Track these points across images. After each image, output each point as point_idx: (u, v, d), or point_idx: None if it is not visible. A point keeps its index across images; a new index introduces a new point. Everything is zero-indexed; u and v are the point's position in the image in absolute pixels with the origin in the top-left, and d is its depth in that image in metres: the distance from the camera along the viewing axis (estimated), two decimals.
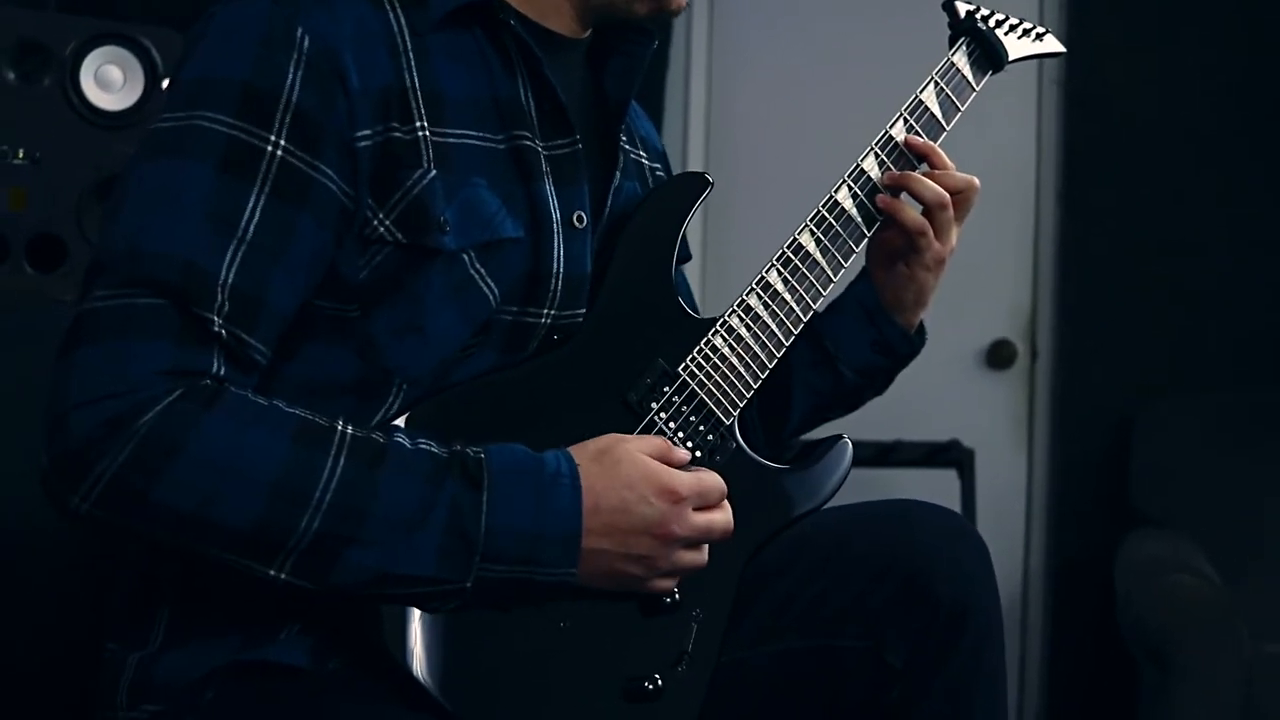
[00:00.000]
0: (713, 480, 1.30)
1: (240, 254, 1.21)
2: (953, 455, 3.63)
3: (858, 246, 1.52)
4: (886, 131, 1.56)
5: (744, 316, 1.45)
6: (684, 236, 1.46)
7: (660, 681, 1.33)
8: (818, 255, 1.49)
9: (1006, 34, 1.66)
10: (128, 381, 1.15)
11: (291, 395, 1.24)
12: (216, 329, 1.19)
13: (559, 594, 1.25)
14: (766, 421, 1.62)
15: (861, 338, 1.62)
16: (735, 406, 1.43)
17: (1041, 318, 3.96)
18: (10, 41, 2.66)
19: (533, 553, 1.21)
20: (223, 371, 1.20)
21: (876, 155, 1.54)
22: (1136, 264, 3.87)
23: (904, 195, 1.54)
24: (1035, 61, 1.77)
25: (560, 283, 1.35)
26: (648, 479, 1.26)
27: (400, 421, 1.27)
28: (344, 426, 1.20)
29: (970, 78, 1.62)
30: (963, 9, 1.66)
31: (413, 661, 1.23)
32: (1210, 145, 3.86)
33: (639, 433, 1.37)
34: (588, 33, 1.46)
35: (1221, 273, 3.85)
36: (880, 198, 1.52)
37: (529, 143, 1.36)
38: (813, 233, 1.49)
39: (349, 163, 1.26)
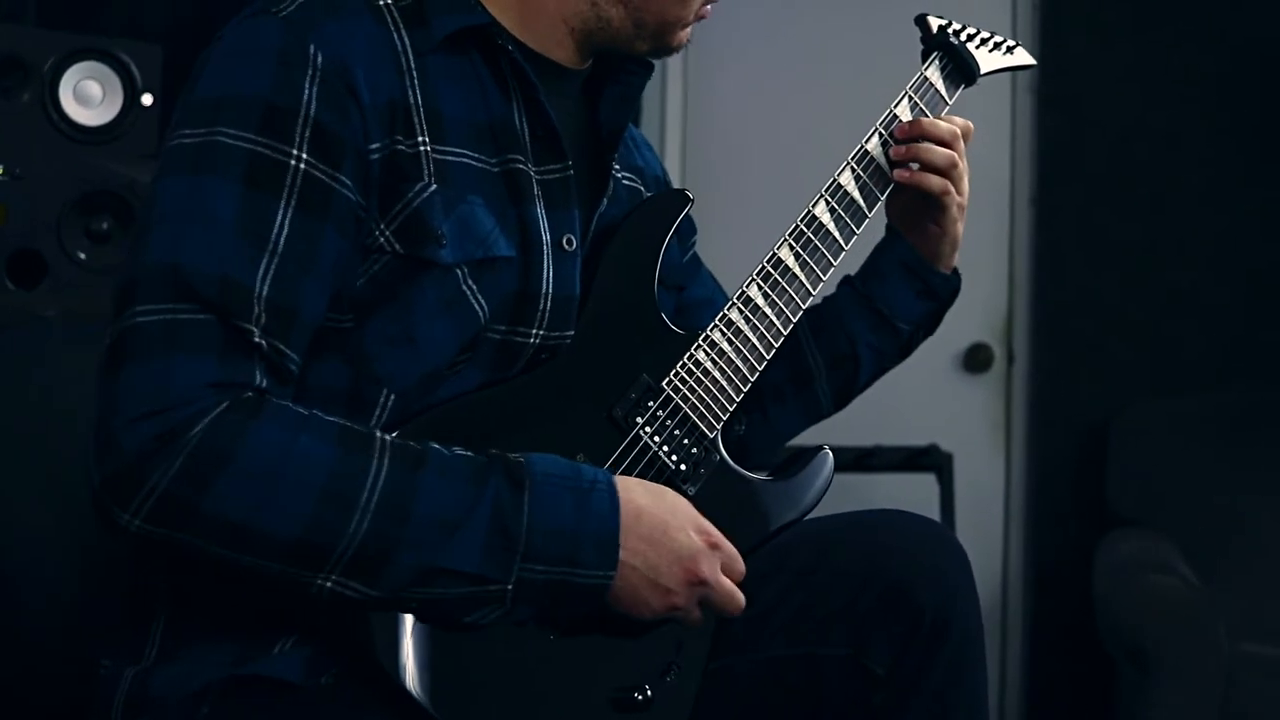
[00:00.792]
0: (738, 555, 1.35)
1: (273, 266, 1.23)
2: (932, 459, 3.65)
3: (836, 260, 1.54)
4: (862, 146, 1.59)
5: (726, 331, 1.47)
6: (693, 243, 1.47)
7: (649, 692, 1.35)
8: (796, 269, 1.52)
9: (978, 48, 1.69)
10: (176, 396, 1.17)
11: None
12: (257, 340, 1.22)
13: (595, 600, 1.27)
14: (837, 387, 1.70)
15: (908, 292, 1.68)
16: (719, 419, 1.45)
17: (1017, 321, 3.99)
18: None
19: (572, 553, 1.24)
20: (264, 383, 1.22)
21: (852, 169, 1.57)
22: (1111, 267, 3.91)
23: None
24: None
25: (549, 303, 1.38)
26: (689, 515, 1.31)
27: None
28: (383, 433, 1.23)
29: (943, 92, 1.65)
30: (935, 24, 1.69)
31: (405, 674, 1.24)
32: (1183, 149, 3.89)
33: (625, 446, 1.39)
34: (587, 64, 1.49)
35: (1196, 275, 3.88)
36: (898, 172, 1.59)
37: (521, 166, 1.38)
38: (791, 247, 1.52)
39: (364, 173, 1.29)
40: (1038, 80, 3.90)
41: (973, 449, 3.91)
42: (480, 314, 1.34)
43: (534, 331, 1.37)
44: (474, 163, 1.36)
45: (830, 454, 1.53)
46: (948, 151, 1.60)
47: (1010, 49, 1.76)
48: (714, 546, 1.31)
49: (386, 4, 1.36)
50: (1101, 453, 3.76)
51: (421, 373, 1.32)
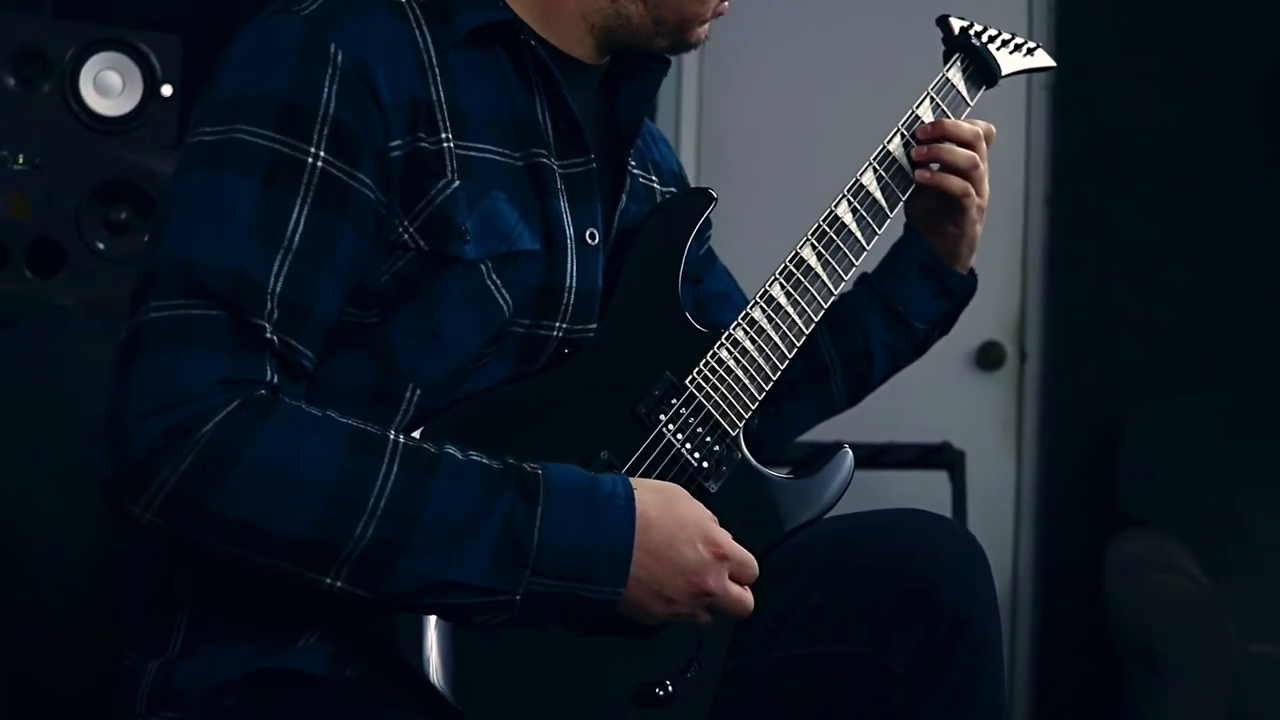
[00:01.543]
0: (750, 558, 1.34)
1: (287, 263, 1.24)
2: (944, 457, 3.65)
3: (857, 259, 1.55)
4: (884, 146, 1.59)
5: (749, 329, 1.48)
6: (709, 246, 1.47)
7: (671, 688, 1.36)
8: (819, 269, 1.52)
9: (999, 49, 1.70)
10: (186, 392, 1.18)
11: (310, 399, 1.26)
12: (269, 336, 1.22)
13: (603, 613, 1.27)
14: (851, 384, 1.72)
15: (924, 291, 1.70)
16: (740, 418, 1.46)
17: (1030, 320, 3.99)
18: (10, 48, 2.67)
19: (583, 569, 1.24)
20: (276, 379, 1.23)
21: (874, 169, 1.58)
22: (1124, 266, 3.91)
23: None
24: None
25: (573, 297, 1.38)
26: (699, 525, 1.30)
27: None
28: (396, 436, 1.23)
29: (965, 93, 1.66)
30: (956, 25, 1.70)
31: (428, 667, 1.25)
32: (1197, 149, 3.89)
33: (648, 444, 1.40)
34: (606, 59, 1.49)
35: (1208, 275, 3.88)
36: (919, 172, 1.60)
37: (545, 160, 1.39)
38: (814, 246, 1.53)
39: (384, 172, 1.29)
40: (1053, 80, 3.90)
41: (984, 447, 3.91)
42: (505, 308, 1.35)
43: (558, 325, 1.38)
44: (497, 157, 1.37)
45: (850, 453, 1.54)
46: (969, 153, 1.60)
47: (1031, 50, 1.76)
48: (721, 558, 1.30)
49: (409, 1, 1.37)
50: (1112, 452, 3.76)
51: (448, 367, 1.33)
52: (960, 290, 1.71)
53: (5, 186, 2.65)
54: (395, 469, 1.20)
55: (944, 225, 1.67)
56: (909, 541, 1.44)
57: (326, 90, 1.27)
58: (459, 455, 1.24)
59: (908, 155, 1.60)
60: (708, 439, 1.43)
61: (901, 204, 1.61)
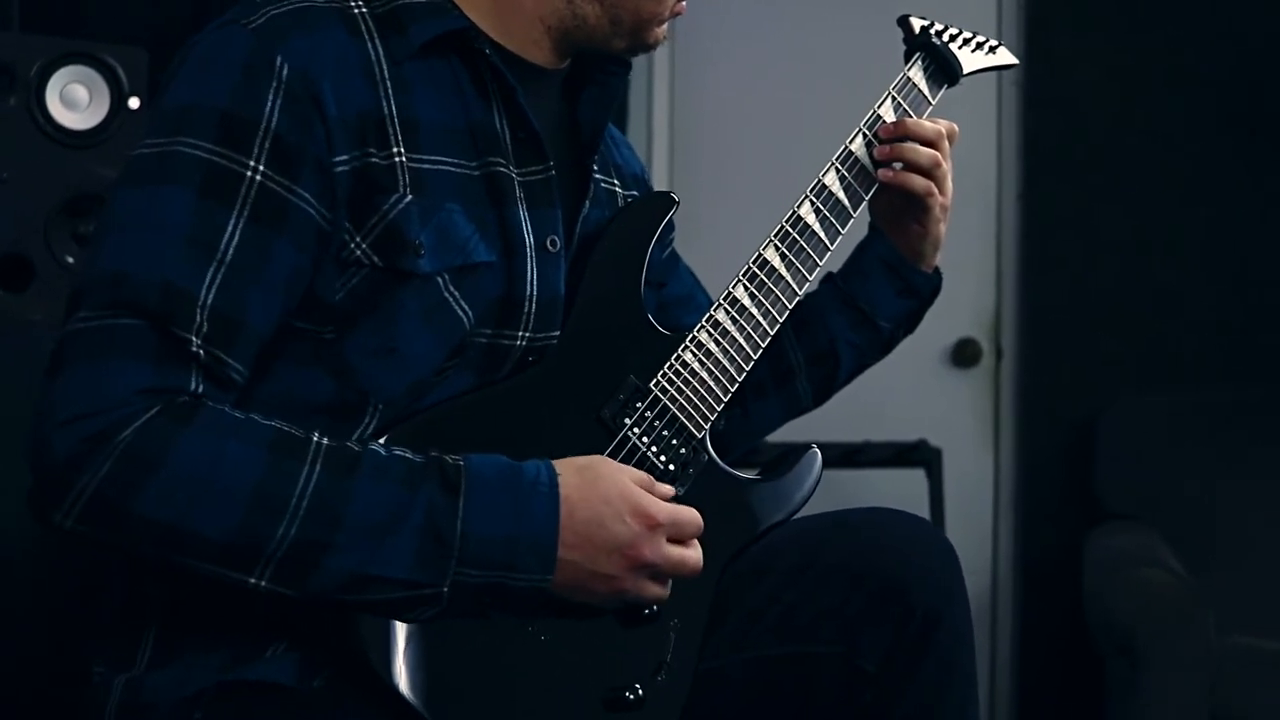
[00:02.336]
0: (689, 515, 1.33)
1: (220, 276, 1.24)
2: (920, 455, 3.65)
3: (821, 260, 1.55)
4: (846, 146, 1.59)
5: (713, 331, 1.48)
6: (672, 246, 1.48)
7: (641, 691, 1.36)
8: (783, 270, 1.52)
9: (960, 48, 1.70)
10: (107, 400, 1.18)
11: (266, 415, 1.25)
12: (195, 349, 1.22)
13: (534, 601, 1.27)
14: (817, 384, 1.71)
15: (889, 290, 1.69)
16: (706, 420, 1.45)
17: (1005, 316, 4.00)
18: None
19: (508, 558, 1.24)
20: (201, 389, 1.22)
21: (837, 170, 1.58)
22: (1098, 262, 3.92)
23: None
24: None
25: (534, 305, 1.38)
26: (625, 498, 1.28)
27: (379, 441, 1.29)
28: (319, 438, 1.23)
29: (926, 92, 1.66)
30: (917, 24, 1.70)
31: (396, 676, 1.25)
32: (1169, 144, 3.90)
33: (613, 448, 1.39)
34: (565, 63, 1.49)
35: (1182, 270, 3.89)
36: (882, 171, 1.60)
37: (503, 169, 1.39)
38: (777, 248, 1.53)
39: (327, 187, 1.29)
40: (1024, 77, 3.91)
41: (961, 444, 3.92)
42: (465, 320, 1.34)
43: (520, 334, 1.38)
44: (453, 169, 1.36)
45: (819, 453, 1.54)
46: (932, 152, 1.60)
47: (993, 49, 1.76)
48: (653, 527, 1.29)
49: (361, 13, 1.36)
50: (1090, 447, 3.77)
51: (408, 382, 1.33)
52: (925, 289, 1.71)
53: None
54: (317, 469, 1.21)
55: (908, 224, 1.67)
56: (880, 541, 1.44)
57: (269, 104, 1.27)
58: (381, 452, 1.24)
59: (870, 155, 1.60)
60: (674, 442, 1.43)
61: (865, 203, 1.61)
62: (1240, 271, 3.89)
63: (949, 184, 1.64)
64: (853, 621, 1.41)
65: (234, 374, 1.25)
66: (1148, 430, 3.73)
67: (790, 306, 1.52)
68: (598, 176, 1.53)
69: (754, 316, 1.50)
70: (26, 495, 1.19)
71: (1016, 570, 3.97)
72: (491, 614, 1.28)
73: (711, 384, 1.46)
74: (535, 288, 1.38)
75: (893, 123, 1.61)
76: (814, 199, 1.56)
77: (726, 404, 1.47)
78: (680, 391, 1.44)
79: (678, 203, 1.52)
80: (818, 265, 1.55)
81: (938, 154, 1.61)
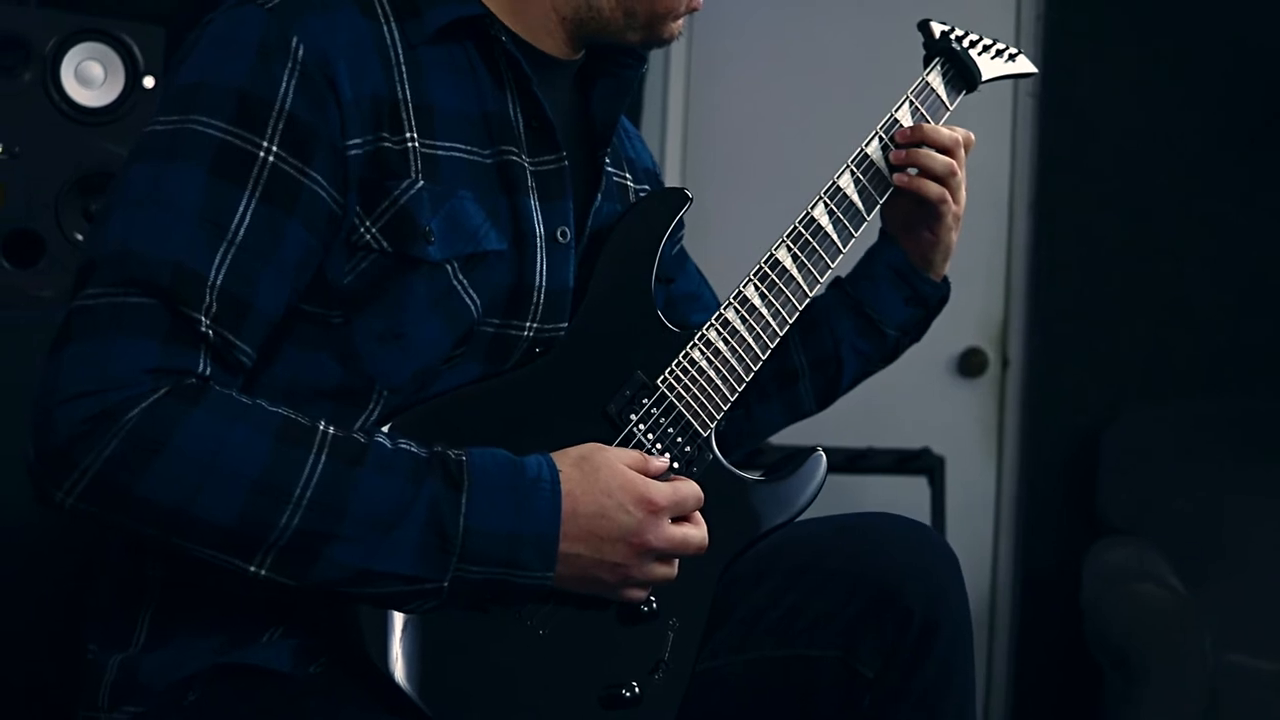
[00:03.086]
0: (689, 490, 1.33)
1: (230, 256, 1.23)
2: (923, 463, 3.64)
3: (833, 263, 1.54)
4: (862, 149, 1.59)
5: (722, 330, 1.47)
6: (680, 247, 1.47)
7: (638, 689, 1.36)
8: (794, 271, 1.52)
9: (980, 54, 1.69)
10: (114, 378, 1.17)
11: (272, 399, 1.25)
12: (204, 329, 1.21)
13: (536, 597, 1.27)
14: (820, 388, 1.71)
15: (896, 297, 1.69)
16: (712, 419, 1.45)
17: (1013, 326, 3.99)
18: None
19: (511, 555, 1.23)
20: (208, 371, 1.22)
21: (851, 172, 1.57)
22: (1107, 274, 3.91)
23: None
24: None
25: (542, 296, 1.38)
26: (625, 488, 1.29)
27: (384, 429, 1.29)
28: (326, 426, 1.22)
29: (944, 97, 1.65)
30: (938, 29, 1.69)
31: (393, 666, 1.25)
32: (1182, 156, 3.89)
33: (618, 444, 1.39)
34: (579, 55, 1.48)
35: (1192, 283, 3.88)
36: (897, 176, 1.59)
37: (515, 158, 1.38)
38: (789, 249, 1.52)
39: (340, 170, 1.28)
40: (1039, 86, 3.90)
41: (965, 453, 3.91)
42: (473, 308, 1.34)
43: (528, 324, 1.37)
44: (465, 155, 1.35)
45: (824, 456, 1.53)
46: (947, 159, 1.60)
47: (1012, 56, 1.76)
48: (655, 512, 1.29)
49: None
50: (1093, 460, 3.76)
51: (415, 369, 1.32)
52: (933, 298, 1.70)
53: None
54: (323, 459, 1.20)
55: (919, 231, 1.66)
56: (880, 545, 1.44)
57: (284, 84, 1.26)
58: (388, 445, 1.23)
59: (885, 159, 1.59)
60: (679, 439, 1.43)
61: (878, 208, 1.60)
62: (1248, 284, 3.88)
63: (963, 192, 1.63)
64: (852, 625, 1.41)
65: (242, 356, 1.25)
66: (1152, 443, 3.71)
67: (800, 308, 1.52)
68: (609, 169, 1.53)
69: (764, 317, 1.49)
70: (27, 470, 1.18)
71: (1016, 581, 3.96)
72: (491, 607, 1.28)
73: (719, 383, 1.46)
74: (544, 278, 1.38)
75: (910, 128, 1.60)
76: (828, 200, 1.55)
77: (733, 404, 1.47)
78: (687, 389, 1.44)
79: (691, 199, 1.51)
80: (829, 267, 1.54)
81: (953, 161, 1.60)
